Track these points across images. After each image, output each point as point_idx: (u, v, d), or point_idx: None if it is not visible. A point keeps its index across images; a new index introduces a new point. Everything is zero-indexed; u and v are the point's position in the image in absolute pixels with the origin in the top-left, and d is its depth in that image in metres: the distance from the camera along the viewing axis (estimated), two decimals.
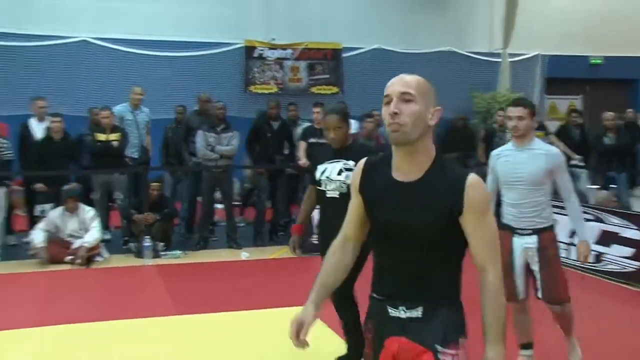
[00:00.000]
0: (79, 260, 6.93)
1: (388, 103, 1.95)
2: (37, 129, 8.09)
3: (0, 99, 8.01)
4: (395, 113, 1.91)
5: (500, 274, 1.96)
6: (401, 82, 1.95)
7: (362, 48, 12.46)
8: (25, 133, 8.10)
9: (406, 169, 1.97)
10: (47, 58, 10.36)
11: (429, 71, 11.97)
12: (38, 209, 7.70)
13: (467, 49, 13.10)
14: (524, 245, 3.77)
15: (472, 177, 1.92)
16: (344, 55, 12.48)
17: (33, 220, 7.66)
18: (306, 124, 8.55)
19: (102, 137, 7.87)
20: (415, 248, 1.96)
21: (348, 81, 12.36)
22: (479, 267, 1.96)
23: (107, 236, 7.98)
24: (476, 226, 1.92)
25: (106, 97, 9.04)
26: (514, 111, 3.71)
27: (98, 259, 7.19)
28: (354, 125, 9.04)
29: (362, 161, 2.12)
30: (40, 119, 8.12)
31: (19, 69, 10.11)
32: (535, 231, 3.74)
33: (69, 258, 7.00)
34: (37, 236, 7.03)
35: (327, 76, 12.55)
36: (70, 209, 7.20)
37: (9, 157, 7.26)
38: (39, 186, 7.69)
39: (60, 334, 4.75)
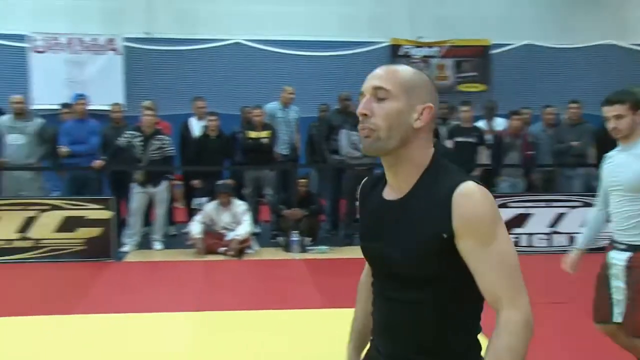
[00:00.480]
0: (231, 252, 7.31)
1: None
2: (196, 127, 8.63)
3: (164, 99, 8.63)
4: (365, 115, 1.53)
5: (525, 314, 1.42)
6: (375, 75, 1.55)
7: (512, 44, 12.05)
8: (185, 131, 8.66)
9: (393, 184, 1.58)
10: (205, 61, 11.01)
11: (586, 67, 11.50)
12: (195, 202, 8.22)
13: (631, 41, 12.22)
14: (613, 261, 3.28)
15: (465, 186, 1.43)
16: (492, 51, 12.13)
17: (191, 213, 8.19)
18: (454, 123, 8.42)
19: (253, 134, 8.22)
20: (402, 289, 1.53)
21: (496, 78, 12.00)
22: (492, 307, 1.45)
23: (257, 230, 8.33)
24: (478, 253, 1.42)
25: (257, 96, 9.44)
26: (609, 110, 3.16)
27: (249, 251, 7.53)
28: (501, 123, 8.81)
29: (363, 180, 1.78)
30: (200, 118, 8.64)
31: (181, 72, 10.83)
32: (630, 248, 3.19)
33: (222, 249, 7.39)
34: (195, 228, 7.49)
35: (475, 74, 12.27)
36: (224, 203, 7.60)
37: (171, 153, 7.80)
38: (196, 182, 8.20)
39: (216, 319, 5.04)
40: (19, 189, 7.64)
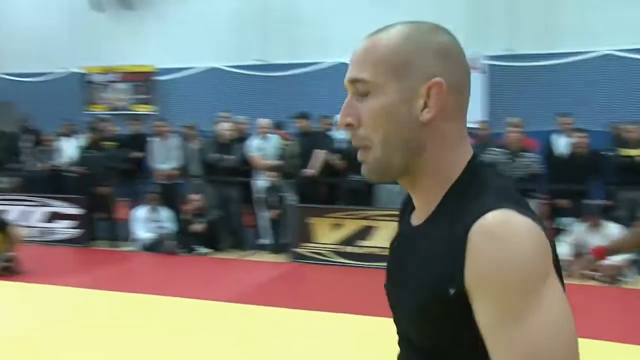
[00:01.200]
0: (603, 277, 6.85)
1: None
2: (560, 144, 8.31)
3: (527, 116, 8.51)
4: (348, 124, 1.06)
5: None
6: (352, 59, 1.06)
7: None
8: (549, 148, 8.42)
9: (417, 205, 1.11)
10: (569, 75, 10.55)
11: None
12: (560, 221, 7.90)
13: None
14: None
15: (492, 218, 0.91)
16: None
17: (555, 232, 7.90)
18: None
19: (630, 152, 7.60)
20: (413, 355, 1.09)
21: None
22: None
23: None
24: (494, 331, 0.91)
25: (629, 111, 8.69)
26: None
27: (624, 278, 6.96)
28: None
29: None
30: (565, 135, 8.31)
31: (543, 88, 10.57)
32: None
33: (594, 274, 6.97)
34: (563, 249, 7.21)
35: None
36: (593, 225, 7.16)
37: (540, 171, 7.64)
38: (563, 201, 7.87)
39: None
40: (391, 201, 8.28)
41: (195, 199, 8.75)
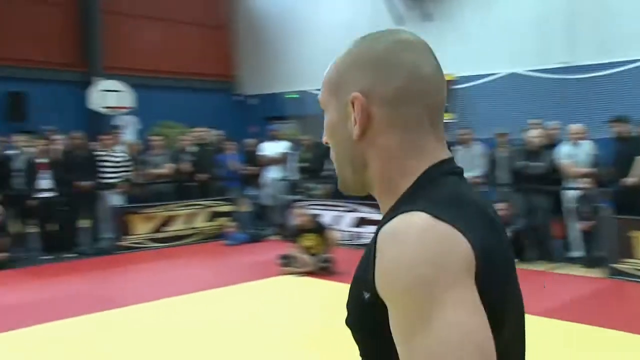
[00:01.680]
0: None
1: None
2: None
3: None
4: (326, 142, 1.09)
5: None
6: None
7: None
8: None
9: None
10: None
11: None
12: None
13: None
14: None
15: (398, 220, 0.87)
16: None
17: None
18: None
19: None
20: None
21: None
22: None
23: None
24: (397, 336, 0.84)
25: None
26: None
27: None
28: None
29: None
30: None
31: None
32: None
33: None
34: None
35: None
36: None
37: None
38: None
39: None
40: None
41: (502, 208, 8.56)
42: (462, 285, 0.84)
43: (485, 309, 0.85)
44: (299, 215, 8.71)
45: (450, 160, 1.04)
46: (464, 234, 0.86)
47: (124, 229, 10.21)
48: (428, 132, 1.02)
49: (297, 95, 15.23)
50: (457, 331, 0.81)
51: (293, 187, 11.45)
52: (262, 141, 12.04)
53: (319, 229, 8.46)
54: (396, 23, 13.23)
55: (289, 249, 8.32)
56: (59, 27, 14.39)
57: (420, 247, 0.84)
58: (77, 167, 9.85)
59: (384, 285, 0.87)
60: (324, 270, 8.08)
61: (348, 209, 10.28)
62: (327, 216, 10.23)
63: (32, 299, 7.17)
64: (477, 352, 0.81)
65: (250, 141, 12.23)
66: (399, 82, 0.99)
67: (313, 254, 8.21)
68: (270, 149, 11.66)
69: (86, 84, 13.92)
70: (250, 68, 17.06)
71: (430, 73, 1.01)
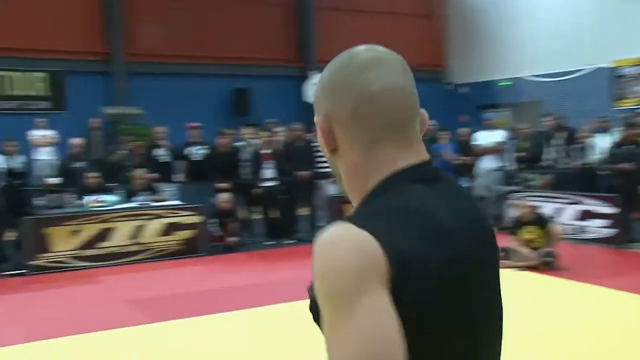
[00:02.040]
0: None
1: None
2: None
3: None
4: None
5: None
6: None
7: None
8: None
9: None
10: None
11: None
12: None
13: None
14: None
15: (324, 233, 0.95)
16: None
17: None
18: None
19: None
20: None
21: None
22: None
23: None
24: (324, 337, 0.91)
25: None
26: None
27: None
28: None
29: None
30: None
31: None
32: None
33: None
34: None
35: None
36: None
37: None
38: None
39: None
40: None
41: None
42: (367, 292, 0.87)
43: (405, 313, 0.88)
44: (519, 207, 8.28)
45: (418, 166, 1.05)
46: (379, 241, 0.90)
47: (339, 218, 10.44)
48: (388, 145, 1.05)
49: (511, 83, 14.55)
50: (354, 341, 0.85)
51: (509, 178, 10.94)
52: (474, 130, 11.67)
53: (540, 222, 7.97)
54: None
55: (507, 242, 7.93)
56: (278, 25, 15.26)
57: (331, 257, 0.90)
58: (296, 158, 10.32)
59: (317, 290, 0.92)
60: (547, 265, 7.61)
61: (571, 201, 9.58)
62: (547, 208, 9.61)
63: (258, 280, 7.68)
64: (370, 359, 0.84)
65: (463, 130, 11.89)
66: (349, 105, 1.05)
67: (534, 248, 7.76)
68: (485, 138, 11.25)
69: (303, 78, 14.59)
70: (460, 56, 16.68)
71: (382, 92, 1.04)
